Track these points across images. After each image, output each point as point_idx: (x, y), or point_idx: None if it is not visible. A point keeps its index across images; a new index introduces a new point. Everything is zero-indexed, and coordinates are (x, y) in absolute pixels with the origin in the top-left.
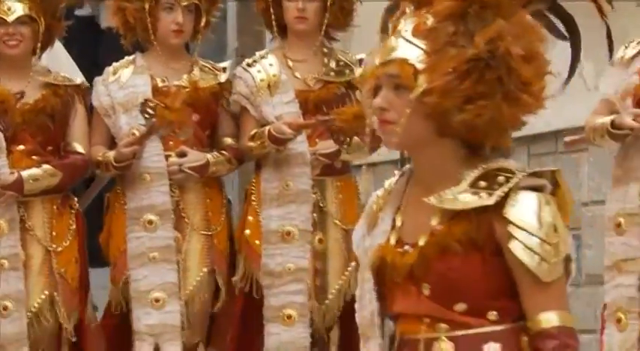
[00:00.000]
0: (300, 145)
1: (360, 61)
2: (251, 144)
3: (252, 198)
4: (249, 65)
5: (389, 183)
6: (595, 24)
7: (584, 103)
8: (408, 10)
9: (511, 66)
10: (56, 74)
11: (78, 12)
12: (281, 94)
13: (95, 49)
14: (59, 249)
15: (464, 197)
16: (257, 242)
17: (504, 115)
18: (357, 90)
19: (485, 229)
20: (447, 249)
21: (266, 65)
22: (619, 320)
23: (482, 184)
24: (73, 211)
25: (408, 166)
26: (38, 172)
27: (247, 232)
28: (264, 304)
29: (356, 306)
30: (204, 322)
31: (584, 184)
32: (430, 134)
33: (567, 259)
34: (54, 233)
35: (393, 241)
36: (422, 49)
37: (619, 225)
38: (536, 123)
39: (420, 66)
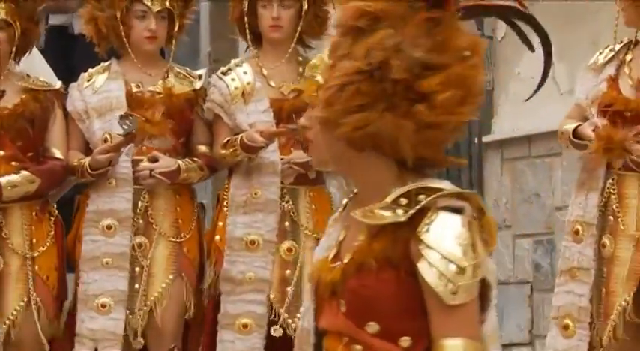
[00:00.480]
0: (271, 154)
1: None
2: (223, 152)
3: (224, 204)
4: (223, 73)
5: (347, 198)
6: (568, 27)
7: (557, 107)
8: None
9: (394, 77)
10: (35, 79)
11: (52, 21)
12: (255, 103)
13: (68, 58)
14: (37, 255)
15: (382, 213)
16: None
17: (391, 126)
18: None
19: (400, 248)
20: (364, 266)
21: (240, 73)
22: (566, 327)
23: (404, 201)
24: (52, 218)
25: None
26: (16, 179)
27: (217, 237)
28: (220, 311)
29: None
30: (178, 328)
31: (557, 189)
32: (345, 150)
33: (486, 285)
34: (33, 240)
35: (331, 255)
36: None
37: (577, 232)
38: (508, 127)
39: (321, 82)
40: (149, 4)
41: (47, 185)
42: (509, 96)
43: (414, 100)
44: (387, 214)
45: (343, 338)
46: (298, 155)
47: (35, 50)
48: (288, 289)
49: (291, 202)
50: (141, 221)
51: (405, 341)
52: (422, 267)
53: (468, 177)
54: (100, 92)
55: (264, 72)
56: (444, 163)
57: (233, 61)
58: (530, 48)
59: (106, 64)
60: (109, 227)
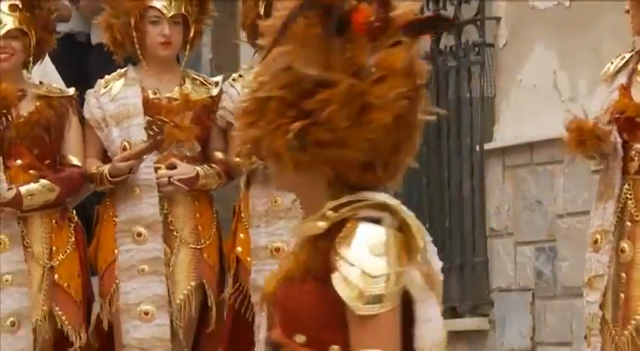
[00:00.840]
0: None
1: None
2: (238, 160)
3: (242, 215)
4: (234, 80)
5: None
6: (570, 34)
7: (559, 114)
8: None
9: (273, 95)
10: (48, 86)
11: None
12: None
13: (80, 66)
14: (57, 263)
15: (307, 225)
16: (249, 259)
17: (281, 144)
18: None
19: (320, 258)
20: (291, 278)
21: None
22: (585, 337)
23: (331, 214)
24: (72, 225)
25: None
26: (36, 187)
27: (239, 249)
28: (255, 322)
29: None
30: (191, 336)
31: (559, 196)
32: (288, 168)
33: (409, 298)
34: (53, 248)
35: (282, 272)
36: None
37: (596, 242)
38: (510, 134)
39: None
40: (163, 9)
41: (66, 193)
42: (511, 103)
43: (294, 118)
44: (310, 225)
45: (282, 349)
46: None
47: (47, 57)
48: None
49: None
50: (161, 228)
51: (334, 350)
52: (335, 278)
53: (469, 184)
54: (117, 99)
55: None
56: (376, 184)
57: (244, 68)
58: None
59: (122, 70)
60: (139, 234)
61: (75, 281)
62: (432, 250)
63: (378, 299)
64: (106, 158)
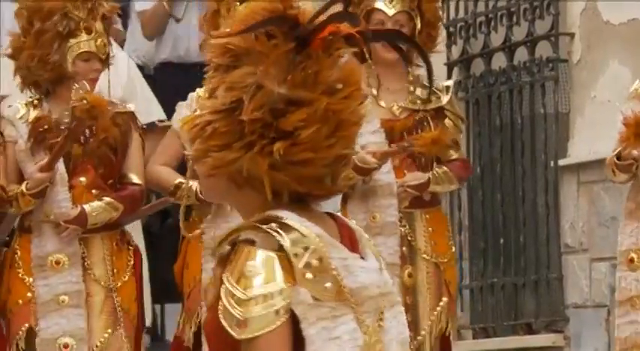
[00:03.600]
0: (386, 176)
1: (447, 87)
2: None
3: None
4: None
5: None
6: None
7: None
8: None
9: (250, 116)
10: (109, 102)
11: None
12: (366, 124)
13: None
14: (119, 285)
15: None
16: None
17: (255, 165)
18: (445, 117)
19: (221, 282)
20: (208, 302)
21: None
22: None
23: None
24: (130, 248)
25: None
26: (100, 205)
27: None
28: None
29: None
30: None
31: None
32: (225, 185)
33: (295, 318)
34: (115, 270)
35: None
36: None
37: (632, 260)
38: (584, 150)
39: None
40: None
41: (129, 212)
42: (585, 119)
43: (273, 139)
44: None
45: None
46: (412, 177)
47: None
48: (408, 315)
49: (407, 226)
50: None
51: None
52: (219, 303)
53: (543, 200)
54: None
55: (374, 92)
56: (325, 196)
57: None
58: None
59: None
60: None
61: (134, 306)
62: (350, 266)
63: (252, 321)
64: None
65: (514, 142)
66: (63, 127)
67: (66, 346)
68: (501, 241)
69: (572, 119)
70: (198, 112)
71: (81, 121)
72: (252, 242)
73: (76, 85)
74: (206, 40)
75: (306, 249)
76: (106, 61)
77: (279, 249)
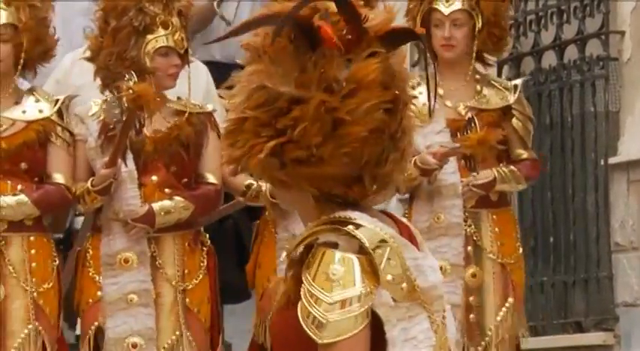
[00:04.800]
0: (451, 176)
1: (515, 87)
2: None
3: None
4: None
5: None
6: None
7: None
8: None
9: (252, 115)
10: (187, 101)
11: None
12: (432, 124)
13: None
14: (190, 287)
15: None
16: None
17: (260, 164)
18: (512, 117)
19: (296, 285)
20: (279, 304)
21: (416, 94)
22: None
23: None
24: (204, 249)
25: None
26: (170, 205)
27: None
28: None
29: None
30: None
31: None
32: (276, 188)
33: (378, 320)
34: (185, 271)
35: None
36: None
37: None
38: (635, 148)
39: None
40: None
41: (201, 212)
42: (636, 117)
43: (271, 137)
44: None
45: None
46: (478, 176)
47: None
48: (472, 316)
49: (473, 226)
50: None
51: None
52: (300, 305)
53: (593, 199)
54: None
55: (441, 92)
56: (364, 197)
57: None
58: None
59: None
60: None
61: (205, 307)
62: (421, 265)
63: (336, 326)
64: None
65: (564, 140)
66: (115, 120)
67: (134, 345)
68: (551, 239)
69: (622, 117)
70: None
71: (130, 112)
72: (333, 245)
73: (126, 75)
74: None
75: (384, 250)
76: (185, 57)
77: (360, 251)
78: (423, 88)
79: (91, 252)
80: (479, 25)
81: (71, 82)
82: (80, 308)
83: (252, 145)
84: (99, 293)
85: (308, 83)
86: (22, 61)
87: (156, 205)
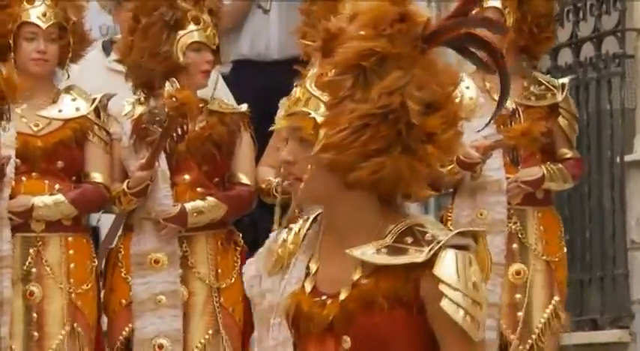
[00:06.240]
0: (496, 172)
1: (563, 85)
2: (442, 170)
3: (448, 226)
4: None
5: (298, 226)
6: None
7: None
8: (314, 60)
9: (409, 120)
10: (220, 101)
11: None
12: (479, 119)
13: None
14: (224, 286)
15: (389, 252)
16: None
17: (406, 168)
18: (558, 115)
19: (412, 286)
20: (372, 304)
21: (462, 88)
22: None
23: (409, 239)
24: (238, 248)
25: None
26: (203, 205)
27: None
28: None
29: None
30: None
31: None
32: (336, 188)
33: None
34: (219, 270)
35: (308, 289)
36: (323, 101)
37: None
38: None
39: (320, 120)
40: None
41: (234, 212)
42: None
43: (423, 142)
44: (400, 253)
45: None
46: (526, 173)
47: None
48: (519, 314)
49: (519, 224)
50: None
51: None
52: (447, 306)
53: (609, 196)
54: None
55: (488, 86)
56: (422, 197)
57: None
58: (491, 70)
59: None
60: None
61: (239, 307)
62: None
63: (484, 324)
64: None
65: (580, 137)
66: (154, 126)
67: (160, 346)
68: (567, 237)
69: (638, 115)
70: (330, 115)
71: (172, 119)
72: (464, 247)
73: (168, 82)
74: (305, 30)
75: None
76: (217, 53)
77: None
78: (470, 83)
79: (122, 251)
80: (510, 22)
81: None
82: (110, 308)
83: (406, 150)
84: (131, 294)
85: (434, 88)
86: (68, 60)
87: (188, 205)
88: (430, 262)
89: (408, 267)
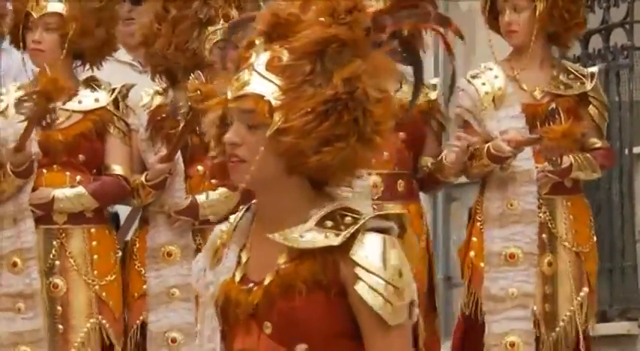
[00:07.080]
0: (525, 162)
1: (592, 74)
2: (471, 163)
3: (477, 218)
4: (472, 77)
5: (234, 217)
6: None
7: None
8: (257, 42)
9: (367, 107)
10: None
11: None
12: (507, 108)
13: None
14: None
15: (310, 236)
16: (482, 264)
17: (357, 156)
18: (588, 104)
19: (330, 269)
20: (292, 288)
21: (491, 77)
22: None
23: (329, 223)
24: None
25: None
26: (215, 197)
27: (472, 253)
28: (485, 331)
29: (197, 342)
30: None
31: None
32: (280, 173)
33: (412, 304)
34: None
35: (237, 278)
36: (277, 85)
37: None
38: None
39: (275, 103)
40: None
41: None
42: None
43: (373, 131)
44: (317, 237)
45: None
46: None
47: None
48: (547, 305)
49: (548, 213)
50: None
51: None
52: (360, 289)
53: (618, 188)
54: None
55: (517, 76)
56: (349, 182)
57: (483, 65)
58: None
59: None
60: None
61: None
62: None
63: (403, 309)
64: None
65: None
66: (179, 118)
67: (174, 340)
68: None
69: None
70: (286, 99)
71: (195, 112)
72: (384, 230)
73: (192, 75)
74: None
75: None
76: None
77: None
78: (499, 72)
79: (137, 244)
80: (540, 8)
81: None
82: (125, 301)
83: (360, 137)
84: (145, 287)
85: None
86: (65, 51)
87: (199, 197)
88: (347, 245)
89: (326, 250)
